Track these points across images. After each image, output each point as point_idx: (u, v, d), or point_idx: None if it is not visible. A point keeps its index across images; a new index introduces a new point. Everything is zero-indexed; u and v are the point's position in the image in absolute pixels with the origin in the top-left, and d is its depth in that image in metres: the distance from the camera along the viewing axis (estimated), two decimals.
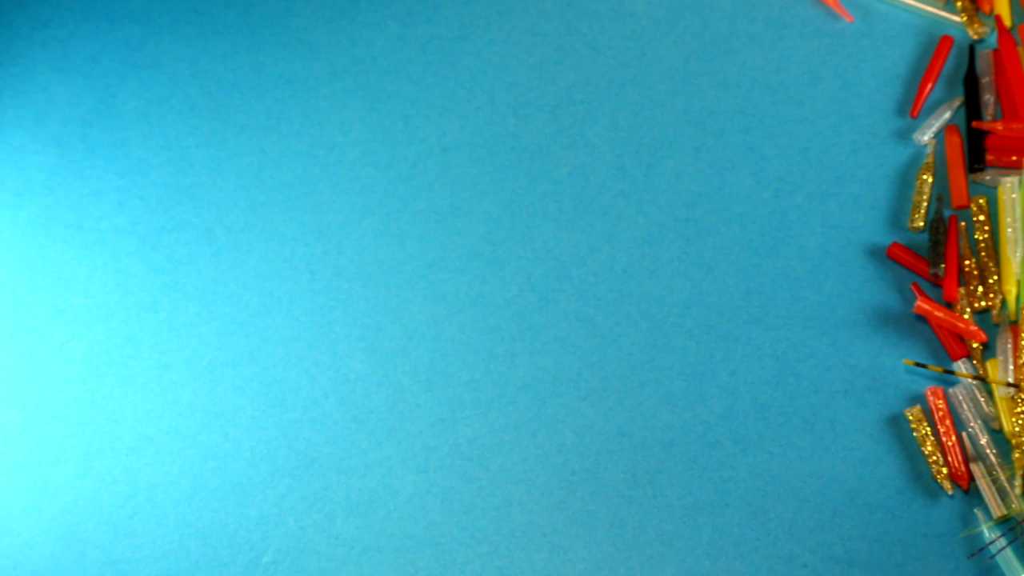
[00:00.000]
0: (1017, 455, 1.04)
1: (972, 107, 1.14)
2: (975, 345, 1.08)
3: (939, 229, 1.10)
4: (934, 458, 1.05)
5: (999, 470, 1.05)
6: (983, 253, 1.10)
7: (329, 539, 1.06)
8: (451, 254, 1.13)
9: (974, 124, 1.13)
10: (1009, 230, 1.09)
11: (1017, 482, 1.04)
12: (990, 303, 1.09)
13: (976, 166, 1.12)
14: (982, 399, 1.06)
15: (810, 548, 1.04)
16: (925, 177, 1.12)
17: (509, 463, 1.07)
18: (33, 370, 1.10)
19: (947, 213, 1.12)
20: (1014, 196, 1.10)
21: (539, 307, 1.11)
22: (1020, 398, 1.05)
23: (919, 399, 1.07)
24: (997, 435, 1.06)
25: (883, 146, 1.14)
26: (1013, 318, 1.08)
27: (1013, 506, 1.04)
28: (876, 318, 1.09)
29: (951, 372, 1.07)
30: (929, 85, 1.15)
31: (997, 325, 1.08)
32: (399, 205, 1.14)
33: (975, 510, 1.04)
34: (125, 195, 1.15)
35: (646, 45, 1.18)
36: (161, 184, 1.15)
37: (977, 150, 1.13)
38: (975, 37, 1.17)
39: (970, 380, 1.07)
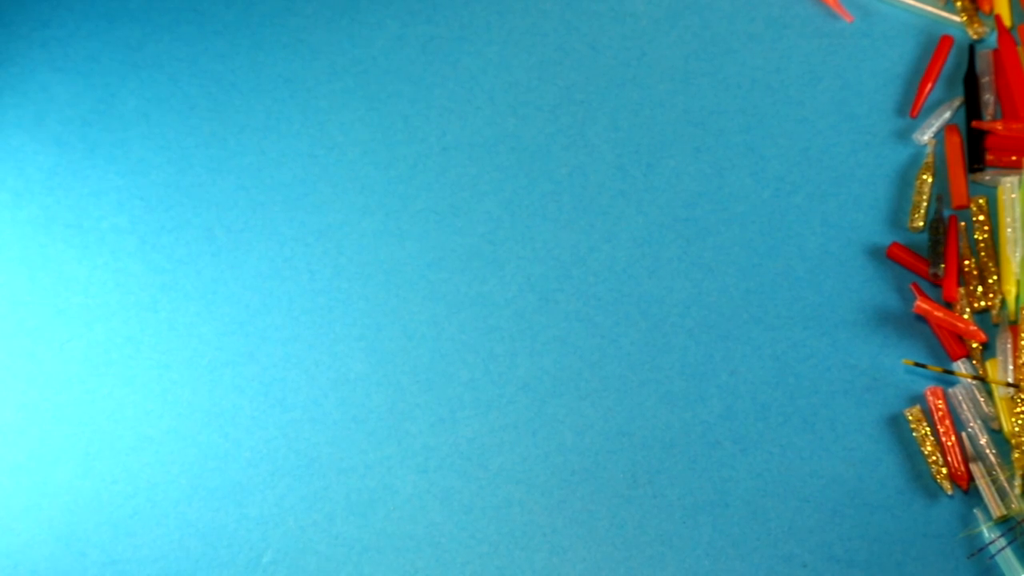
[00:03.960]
0: (1017, 455, 1.04)
1: (972, 107, 1.14)
2: (975, 345, 1.08)
3: (939, 229, 1.10)
4: (934, 458, 1.05)
5: (999, 470, 1.05)
6: (983, 253, 1.10)
7: (329, 539, 1.06)
8: (451, 254, 1.13)
9: (974, 124, 1.13)
10: (1009, 230, 1.09)
11: (1017, 482, 1.04)
12: (990, 303, 1.09)
13: (976, 166, 1.12)
14: (982, 399, 1.06)
15: (810, 548, 1.04)
16: (925, 177, 1.12)
17: (509, 463, 1.07)
18: (33, 370, 1.10)
19: (947, 213, 1.12)
20: (1014, 196, 1.10)
21: (539, 307, 1.11)
22: (1020, 398, 1.05)
23: (919, 399, 1.07)
24: (997, 435, 1.06)
25: (883, 146, 1.14)
26: (1013, 318, 1.08)
27: (1013, 506, 1.04)
28: (876, 318, 1.09)
29: (951, 372, 1.07)
30: (929, 85, 1.15)
31: (997, 325, 1.08)
32: (399, 205, 1.14)
33: (975, 510, 1.04)
34: (125, 195, 1.15)
35: (646, 45, 1.18)
36: (161, 184, 1.15)
37: (977, 150, 1.13)
38: (975, 37, 1.17)
39: (970, 380, 1.07)
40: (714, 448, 1.07)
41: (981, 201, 1.11)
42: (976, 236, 1.11)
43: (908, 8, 1.18)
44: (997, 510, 1.04)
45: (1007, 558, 1.03)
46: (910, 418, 1.06)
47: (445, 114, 1.17)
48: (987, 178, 1.12)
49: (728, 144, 1.15)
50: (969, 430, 1.06)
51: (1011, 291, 1.09)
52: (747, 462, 1.06)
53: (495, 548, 1.05)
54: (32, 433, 1.09)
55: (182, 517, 1.06)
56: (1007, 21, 1.16)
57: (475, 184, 1.15)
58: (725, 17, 1.19)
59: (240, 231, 1.14)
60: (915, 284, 1.09)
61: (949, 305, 1.09)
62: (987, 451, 1.05)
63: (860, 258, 1.11)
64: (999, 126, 1.12)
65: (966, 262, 1.10)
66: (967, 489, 1.05)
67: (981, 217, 1.11)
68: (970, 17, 1.17)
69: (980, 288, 1.09)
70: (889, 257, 1.11)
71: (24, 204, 1.15)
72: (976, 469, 1.05)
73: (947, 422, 1.06)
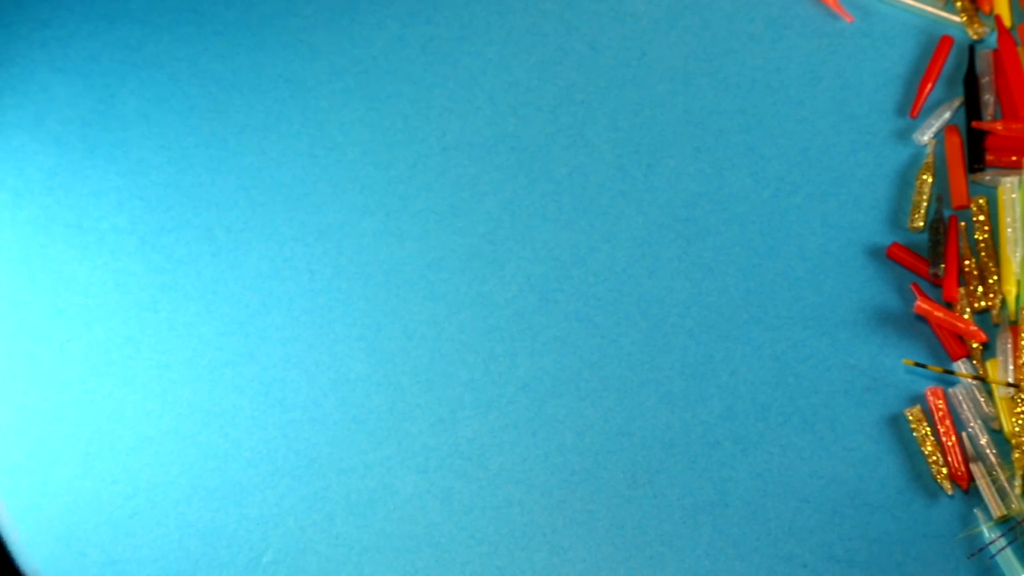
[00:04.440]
0: (1017, 455, 1.04)
1: (972, 107, 1.14)
2: (975, 345, 1.08)
3: (939, 229, 1.10)
4: (934, 458, 1.05)
5: (999, 470, 1.05)
6: (983, 253, 1.10)
7: (329, 539, 1.06)
8: (451, 254, 1.13)
9: (974, 124, 1.13)
10: (1009, 230, 1.09)
11: (1017, 482, 1.04)
12: (990, 303, 1.09)
13: (976, 166, 1.12)
14: (982, 399, 1.06)
15: (810, 548, 1.04)
16: (925, 177, 1.12)
17: (509, 463, 1.07)
18: (33, 370, 1.10)
19: (947, 213, 1.12)
20: (1014, 196, 1.10)
21: (539, 307, 1.11)
22: (1020, 398, 1.05)
23: (919, 399, 1.07)
24: (997, 435, 1.06)
25: (883, 146, 1.14)
26: (1013, 318, 1.08)
27: (1013, 506, 1.04)
28: (876, 318, 1.09)
29: (951, 372, 1.07)
30: (929, 85, 1.15)
31: (997, 325, 1.08)
32: (399, 205, 1.14)
33: (975, 510, 1.04)
34: (125, 195, 1.15)
35: (646, 45, 1.18)
36: (161, 184, 1.15)
37: (977, 150, 1.13)
38: (975, 37, 1.17)
39: (970, 380, 1.07)
40: (714, 448, 1.07)
41: (981, 201, 1.11)
42: (976, 236, 1.11)
43: (908, 8, 1.18)
44: (997, 510, 1.04)
45: (1007, 558, 1.03)
46: (910, 418, 1.06)
47: (445, 114, 1.17)
48: (987, 178, 1.12)
49: (728, 144, 1.15)
50: (969, 430, 1.06)
51: (1011, 291, 1.09)
52: (747, 462, 1.06)
53: (495, 548, 1.05)
54: (32, 433, 1.09)
55: (182, 517, 1.06)
56: (1007, 21, 1.16)
57: (475, 184, 1.15)
58: (725, 17, 1.19)
59: (240, 231, 1.14)
60: (915, 284, 1.09)
61: (949, 305, 1.09)
62: (987, 451, 1.05)
63: (860, 258, 1.11)
64: (999, 126, 1.12)
65: (966, 262, 1.10)
66: (967, 489, 1.05)
67: (981, 217, 1.11)
68: (970, 17, 1.17)
69: (980, 288, 1.09)
70: (889, 257, 1.11)
71: (24, 204, 1.15)
72: (976, 469, 1.05)
73: (947, 422, 1.06)
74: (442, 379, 1.09)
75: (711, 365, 1.09)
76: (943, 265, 1.09)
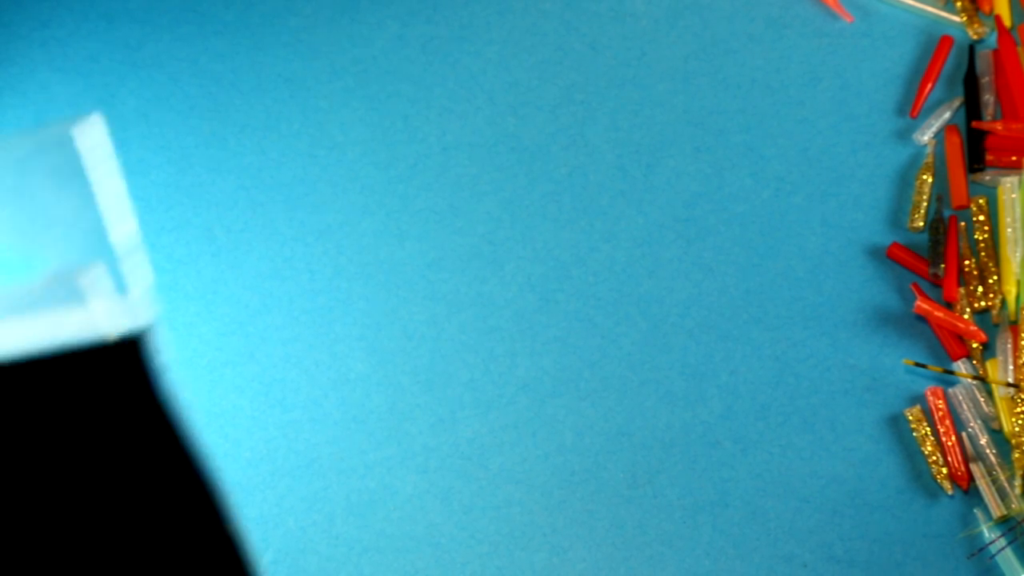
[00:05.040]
0: (1017, 455, 1.04)
1: (972, 107, 1.14)
2: (975, 345, 1.08)
3: (939, 229, 1.10)
4: (934, 458, 1.05)
5: (999, 470, 1.05)
6: (983, 253, 1.10)
7: (329, 539, 1.06)
8: (451, 254, 1.13)
9: (974, 124, 1.13)
10: (1009, 230, 1.09)
11: (1017, 482, 1.04)
12: (990, 303, 1.09)
13: (976, 166, 1.12)
14: (982, 399, 1.06)
15: (810, 548, 1.04)
16: (925, 177, 1.12)
17: (509, 463, 1.07)
18: None
19: (947, 213, 1.12)
20: (1014, 196, 1.10)
21: (539, 307, 1.11)
22: (1020, 398, 1.05)
23: (919, 399, 1.07)
24: (997, 435, 1.06)
25: (883, 146, 1.14)
26: (1013, 318, 1.08)
27: (1013, 506, 1.04)
28: (876, 318, 1.09)
29: (951, 372, 1.07)
30: (929, 85, 1.15)
31: (997, 325, 1.08)
32: (399, 205, 1.14)
33: (975, 510, 1.04)
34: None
35: (646, 45, 1.18)
36: (161, 184, 1.15)
37: (977, 150, 1.13)
38: (975, 37, 1.17)
39: (970, 380, 1.07)
40: (714, 448, 1.07)
41: (981, 201, 1.11)
42: (976, 236, 1.11)
43: (908, 8, 1.18)
44: (997, 510, 1.04)
45: (1007, 558, 1.03)
46: (910, 418, 1.06)
47: (445, 114, 1.17)
48: (987, 178, 1.12)
49: (728, 144, 1.15)
50: (969, 430, 1.06)
51: (1011, 291, 1.09)
52: (747, 462, 1.06)
53: (495, 548, 1.05)
54: None
55: None
56: (1007, 21, 1.16)
57: (475, 184, 1.14)
58: (725, 17, 1.19)
59: (240, 231, 1.14)
60: (915, 284, 1.09)
61: (949, 305, 1.09)
62: (987, 451, 1.05)
63: (860, 258, 1.11)
64: (999, 126, 1.12)
65: (966, 262, 1.10)
66: (967, 489, 1.05)
67: (981, 217, 1.11)
68: (970, 17, 1.17)
69: (980, 288, 1.09)
70: (889, 257, 1.11)
71: None
72: (976, 469, 1.05)
73: (947, 422, 1.06)
74: (442, 379, 1.09)
75: (711, 365, 1.09)
76: (943, 265, 1.09)
